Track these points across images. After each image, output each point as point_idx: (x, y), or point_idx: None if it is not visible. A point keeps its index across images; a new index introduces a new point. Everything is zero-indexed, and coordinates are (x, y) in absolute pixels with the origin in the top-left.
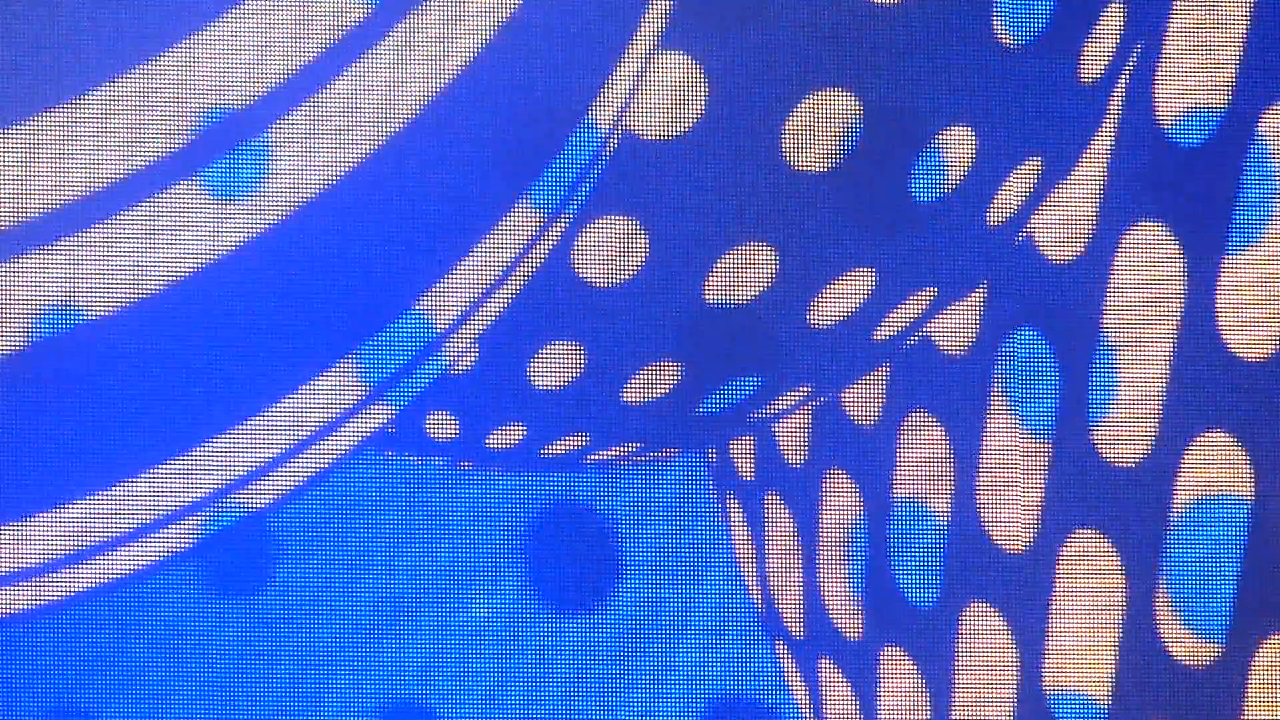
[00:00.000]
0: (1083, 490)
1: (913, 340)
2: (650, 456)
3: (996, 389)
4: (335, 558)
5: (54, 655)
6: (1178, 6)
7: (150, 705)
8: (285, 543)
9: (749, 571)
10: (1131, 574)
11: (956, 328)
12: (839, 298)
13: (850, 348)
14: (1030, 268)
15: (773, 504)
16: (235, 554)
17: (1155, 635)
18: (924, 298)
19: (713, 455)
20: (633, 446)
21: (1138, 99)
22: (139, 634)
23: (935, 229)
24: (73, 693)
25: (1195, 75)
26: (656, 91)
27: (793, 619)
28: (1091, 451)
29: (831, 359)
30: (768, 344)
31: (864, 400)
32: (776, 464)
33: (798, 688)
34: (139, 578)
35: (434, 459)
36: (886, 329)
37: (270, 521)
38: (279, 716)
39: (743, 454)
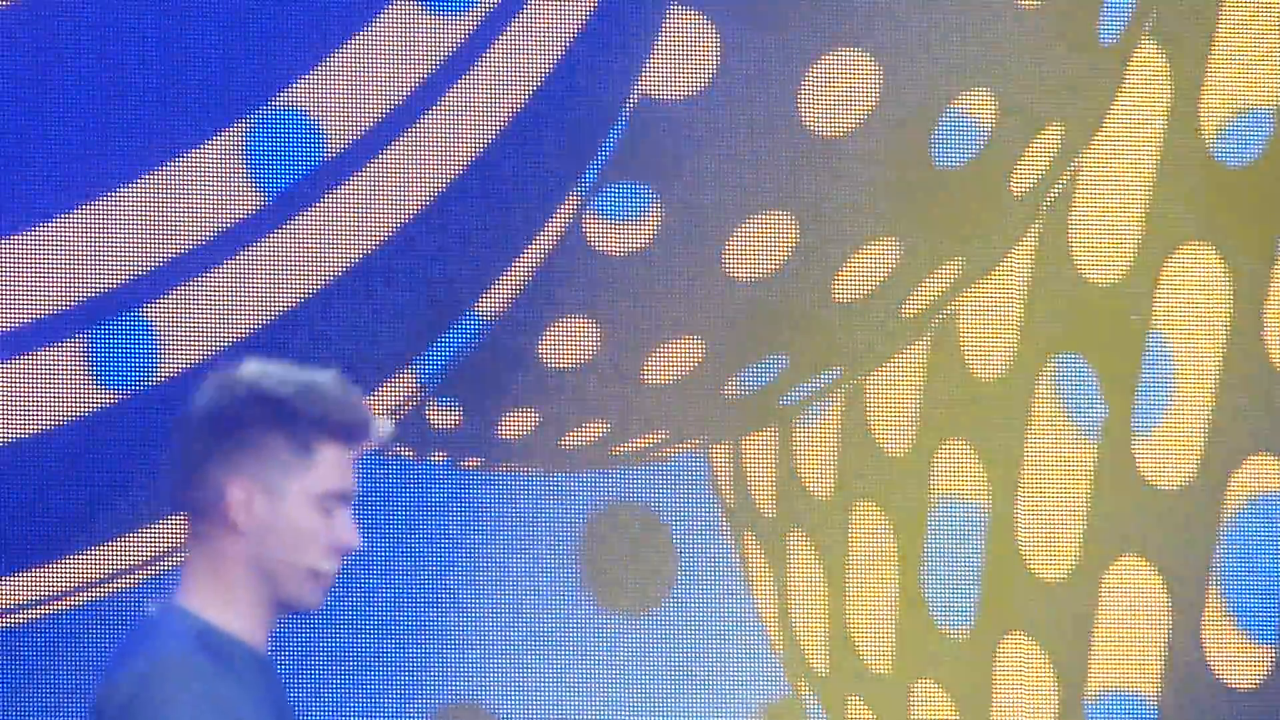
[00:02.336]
0: (1127, 514)
1: (942, 316)
2: (676, 449)
3: (1038, 412)
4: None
5: (74, 655)
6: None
7: None
8: None
9: (770, 613)
10: (1175, 597)
11: (993, 349)
12: (864, 269)
13: (878, 324)
14: (1072, 289)
15: (796, 540)
16: None
17: (1202, 657)
18: (951, 269)
19: (729, 498)
20: (658, 436)
21: (1183, 117)
22: None
23: (960, 196)
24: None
25: (1241, 85)
26: (671, 52)
27: (818, 657)
28: (1136, 474)
29: (860, 336)
30: (792, 319)
31: (895, 427)
32: (800, 499)
33: None
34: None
35: (434, 454)
36: (915, 303)
37: None
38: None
39: (763, 488)
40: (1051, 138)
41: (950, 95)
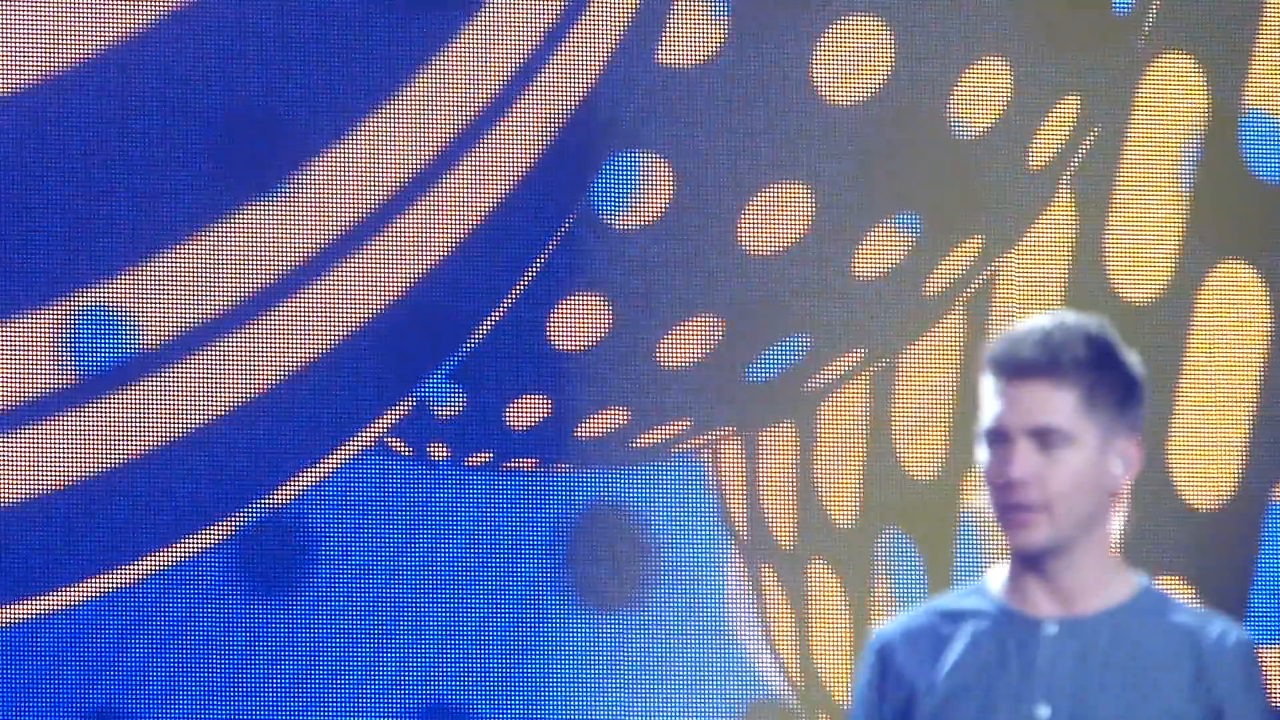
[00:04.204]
0: (1166, 534)
1: (965, 296)
2: (701, 440)
3: None
4: (362, 560)
5: (87, 655)
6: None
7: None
8: (315, 546)
9: (787, 647)
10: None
11: None
12: (883, 244)
13: (900, 301)
14: (1107, 305)
15: (816, 570)
16: (264, 555)
17: None
18: (972, 246)
19: (741, 530)
20: (681, 425)
21: (1223, 140)
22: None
23: (977, 168)
24: (107, 692)
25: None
26: (683, 19)
27: (838, 688)
28: (1174, 494)
29: (882, 314)
30: (812, 296)
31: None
32: (820, 528)
33: None
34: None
35: (434, 448)
36: (937, 281)
37: (300, 522)
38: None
39: (779, 517)
40: (1069, 109)
41: (966, 64)
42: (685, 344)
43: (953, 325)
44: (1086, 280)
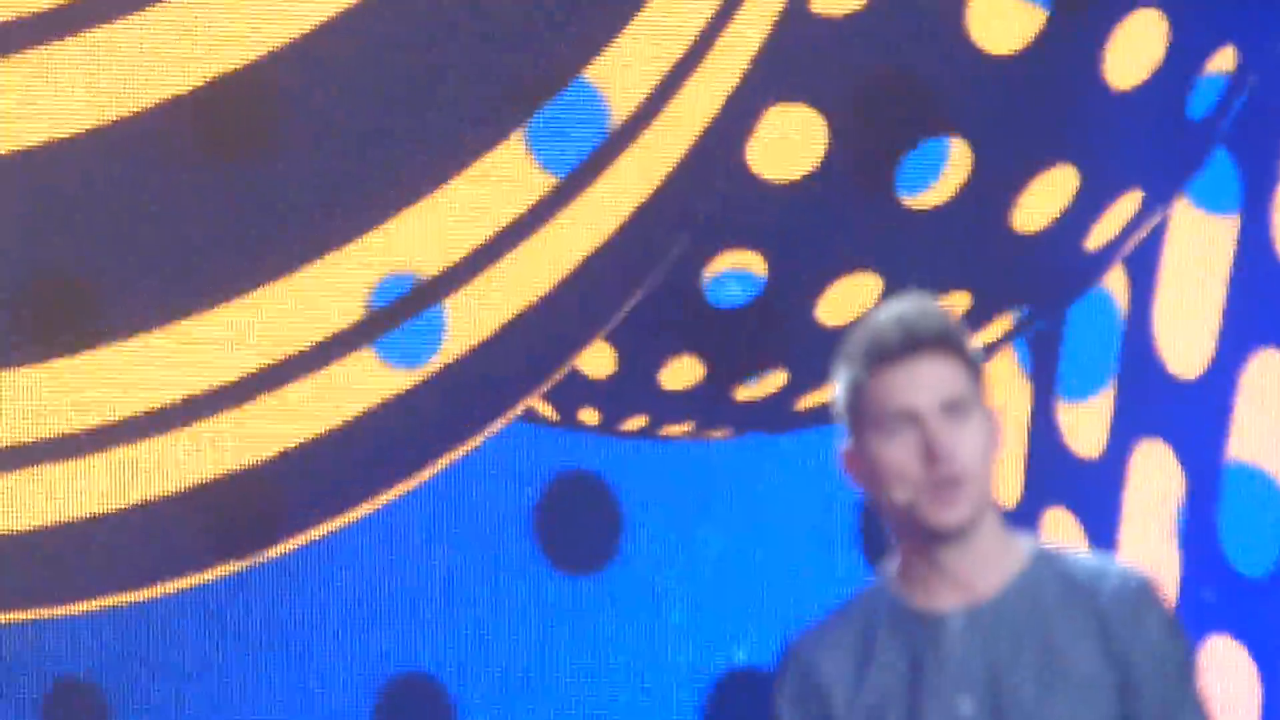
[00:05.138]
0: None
1: (1126, 250)
2: None
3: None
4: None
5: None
6: None
7: None
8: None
9: None
10: None
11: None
12: (1041, 198)
13: (1062, 258)
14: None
15: None
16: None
17: None
18: (1132, 200)
19: None
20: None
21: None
22: None
23: (1135, 119)
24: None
25: None
26: None
27: None
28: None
29: (1043, 270)
30: (971, 250)
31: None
32: None
33: None
34: None
35: (585, 411)
36: (1097, 236)
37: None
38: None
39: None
40: (1225, 61)
41: (1119, 15)
42: (842, 302)
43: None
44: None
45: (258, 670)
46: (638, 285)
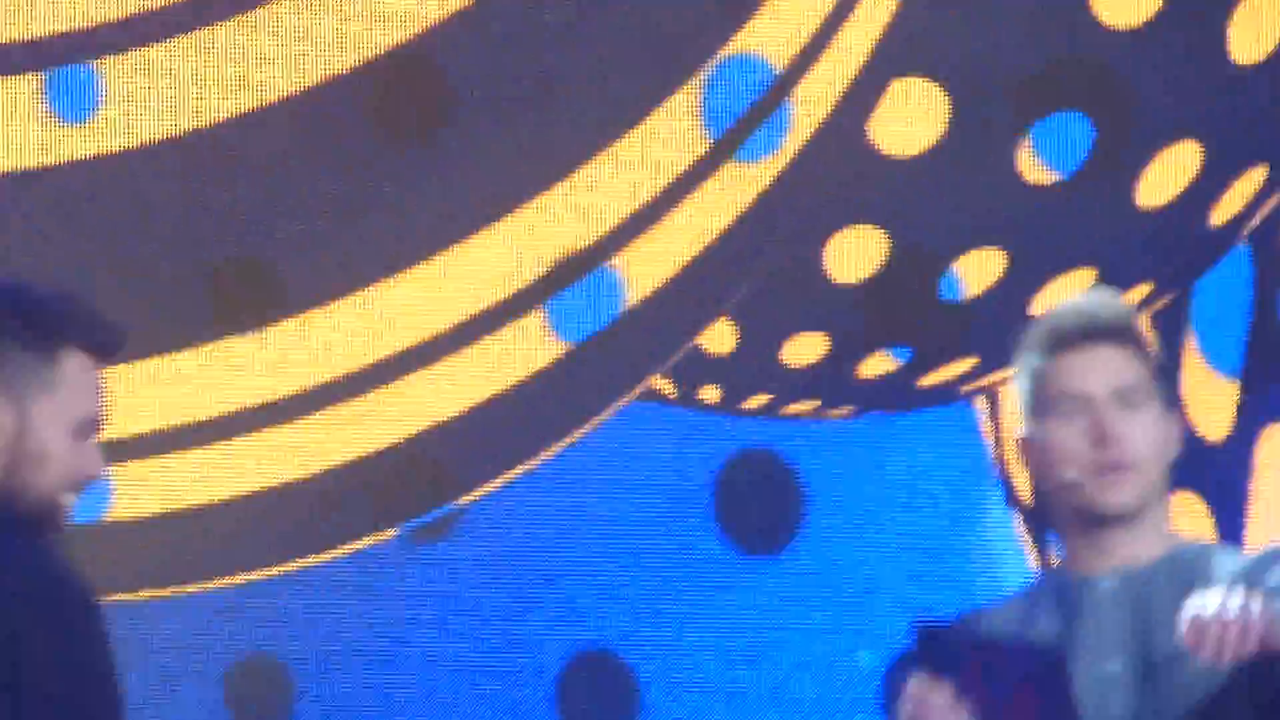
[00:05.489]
0: None
1: (1251, 226)
2: (990, 380)
3: None
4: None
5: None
6: None
7: None
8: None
9: None
10: None
11: None
12: (1165, 173)
13: (1185, 233)
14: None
15: None
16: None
17: None
18: (1256, 176)
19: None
20: (968, 364)
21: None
22: None
23: (1258, 95)
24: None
25: None
26: None
27: None
28: None
29: (1168, 247)
30: (1095, 227)
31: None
32: None
33: None
34: None
35: (706, 388)
36: (1222, 212)
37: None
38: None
39: None
40: None
41: None
42: (966, 277)
43: None
44: None
45: (440, 644)
46: (760, 262)
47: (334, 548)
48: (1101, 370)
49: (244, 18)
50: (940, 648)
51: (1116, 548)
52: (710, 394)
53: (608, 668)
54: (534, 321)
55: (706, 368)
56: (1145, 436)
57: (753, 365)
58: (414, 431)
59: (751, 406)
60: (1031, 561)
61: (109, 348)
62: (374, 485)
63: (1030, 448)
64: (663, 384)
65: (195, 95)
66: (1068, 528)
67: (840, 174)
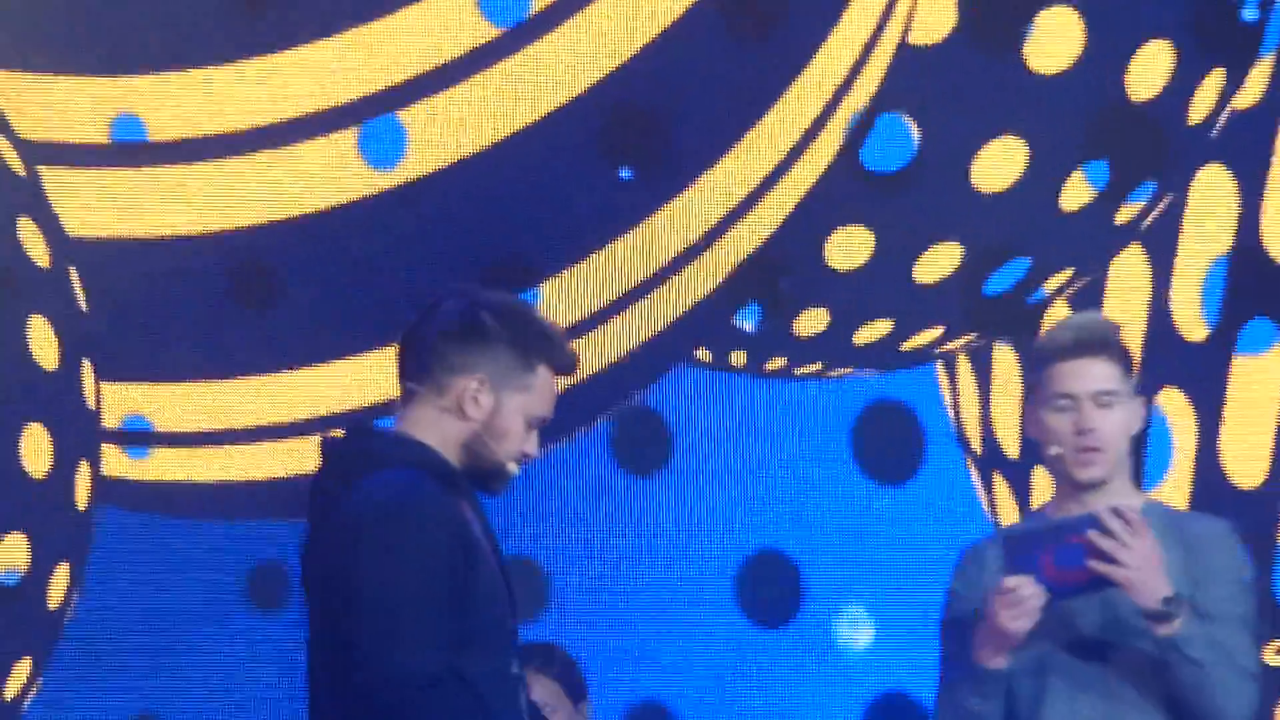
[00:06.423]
0: None
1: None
2: (955, 344)
3: None
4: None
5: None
6: None
7: None
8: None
9: None
10: None
11: None
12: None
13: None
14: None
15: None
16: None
17: None
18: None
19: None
20: (936, 332)
21: None
22: None
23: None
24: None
25: None
26: None
27: None
28: None
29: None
30: (1030, 227)
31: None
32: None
33: None
34: None
35: (736, 354)
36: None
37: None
38: None
39: (1008, 434)
40: None
41: None
42: (934, 265)
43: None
44: None
45: (630, 559)
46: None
47: None
48: (1085, 377)
49: (516, 56)
50: (1017, 546)
51: (1091, 502)
52: (739, 359)
53: (779, 566)
54: None
55: (736, 338)
56: (1115, 428)
57: (772, 336)
58: None
59: (772, 368)
60: (985, 509)
61: (568, 369)
62: None
63: (1030, 421)
64: (701, 351)
65: (471, 125)
66: (1058, 486)
67: (836, 189)
